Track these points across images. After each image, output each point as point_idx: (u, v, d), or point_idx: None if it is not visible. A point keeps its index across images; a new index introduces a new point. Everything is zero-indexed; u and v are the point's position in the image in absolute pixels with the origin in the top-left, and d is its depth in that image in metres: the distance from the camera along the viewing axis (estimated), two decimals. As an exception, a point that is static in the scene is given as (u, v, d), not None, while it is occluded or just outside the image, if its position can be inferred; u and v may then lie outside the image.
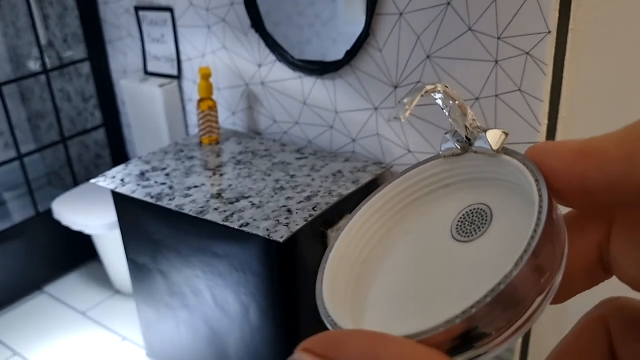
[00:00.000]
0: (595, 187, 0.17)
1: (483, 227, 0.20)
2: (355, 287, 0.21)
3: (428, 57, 1.24)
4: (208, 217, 1.19)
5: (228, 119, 1.66)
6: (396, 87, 1.31)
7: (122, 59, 1.89)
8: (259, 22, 1.46)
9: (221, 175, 1.39)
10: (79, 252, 2.08)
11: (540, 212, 0.17)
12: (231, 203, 1.24)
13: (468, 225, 0.20)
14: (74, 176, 2.09)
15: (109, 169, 1.49)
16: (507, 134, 0.20)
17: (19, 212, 2.06)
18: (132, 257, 1.50)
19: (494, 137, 0.20)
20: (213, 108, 1.52)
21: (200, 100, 1.52)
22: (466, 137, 0.21)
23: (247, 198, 1.25)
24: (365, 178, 1.32)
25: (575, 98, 1.12)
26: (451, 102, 0.20)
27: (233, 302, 1.31)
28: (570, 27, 1.07)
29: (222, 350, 1.41)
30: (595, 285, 0.19)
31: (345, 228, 0.21)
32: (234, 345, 1.38)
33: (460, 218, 0.21)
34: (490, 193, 0.21)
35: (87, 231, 1.79)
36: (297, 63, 1.43)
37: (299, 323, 1.29)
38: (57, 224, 1.85)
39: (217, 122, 1.54)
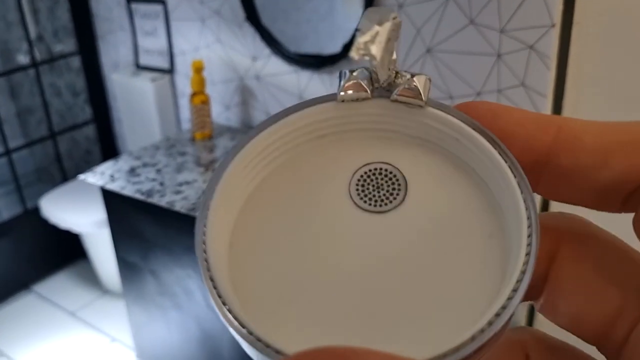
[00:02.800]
0: (557, 169, 0.14)
1: (396, 195, 0.15)
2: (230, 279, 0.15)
3: (428, 50, 1.21)
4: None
5: (222, 113, 1.62)
6: (395, 82, 1.28)
7: (114, 52, 1.85)
8: (253, 14, 1.42)
9: (214, 171, 1.35)
10: (68, 250, 2.04)
11: (530, 225, 0.14)
12: (224, 200, 1.20)
13: (373, 189, 0.16)
14: (64, 172, 2.05)
15: (99, 165, 1.45)
16: (431, 80, 0.16)
17: (6, 208, 2.00)
18: (121, 255, 1.46)
19: (421, 84, 0.15)
20: (206, 102, 1.48)
21: (193, 95, 1.48)
22: (384, 78, 0.16)
23: (240, 195, 1.22)
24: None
25: (580, 93, 1.09)
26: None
27: (225, 303, 1.27)
28: (575, 20, 1.04)
29: (215, 352, 1.37)
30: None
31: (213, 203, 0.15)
32: (226, 346, 1.34)
33: (359, 179, 0.16)
34: (397, 152, 0.16)
35: (75, 229, 1.74)
36: (293, 56, 1.40)
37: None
38: (46, 221, 1.81)
39: (209, 117, 1.50)
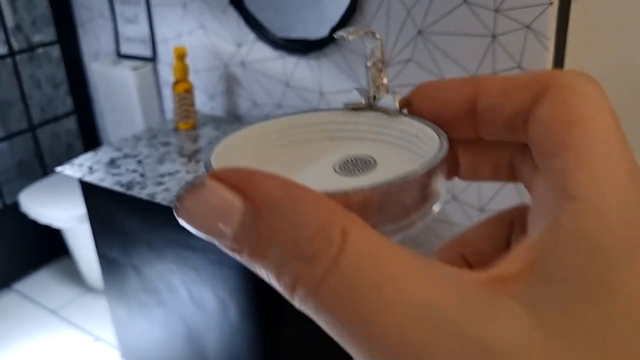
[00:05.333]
0: (479, 113, 0.20)
1: (367, 169, 0.21)
2: None
3: (419, 32, 1.15)
4: (181, 206, 1.10)
5: (206, 103, 1.56)
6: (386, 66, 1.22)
7: (94, 41, 1.78)
8: (237, -3, 1.36)
9: (197, 162, 1.30)
10: (49, 247, 1.97)
11: (441, 143, 0.19)
12: (207, 191, 1.14)
13: (351, 166, 0.21)
14: (44, 167, 1.98)
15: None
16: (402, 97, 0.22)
17: (-15, 205, 1.94)
18: (102, 251, 1.40)
19: (396, 100, 0.22)
20: (189, 91, 1.42)
21: (176, 83, 1.41)
22: (373, 95, 0.23)
23: (224, 185, 1.16)
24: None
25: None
26: (377, 56, 0.22)
27: (210, 298, 1.21)
28: (574, -3, 0.99)
29: (200, 350, 1.32)
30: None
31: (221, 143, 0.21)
32: (212, 344, 1.28)
33: (343, 161, 0.22)
34: (376, 148, 0.22)
35: (55, 224, 1.68)
36: (279, 41, 1.34)
37: (281, 321, 1.21)
38: (26, 217, 1.74)
39: (193, 106, 1.44)
